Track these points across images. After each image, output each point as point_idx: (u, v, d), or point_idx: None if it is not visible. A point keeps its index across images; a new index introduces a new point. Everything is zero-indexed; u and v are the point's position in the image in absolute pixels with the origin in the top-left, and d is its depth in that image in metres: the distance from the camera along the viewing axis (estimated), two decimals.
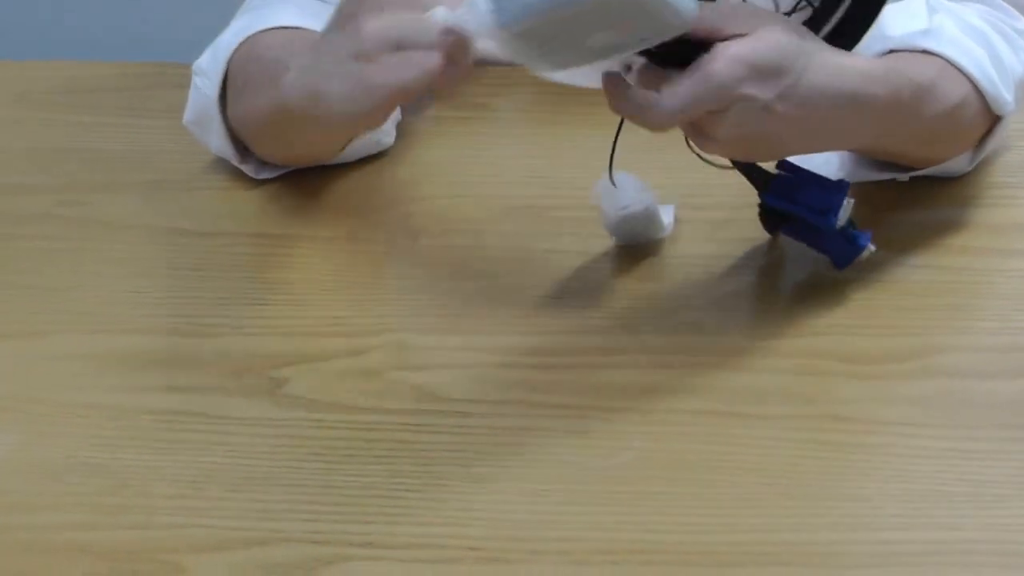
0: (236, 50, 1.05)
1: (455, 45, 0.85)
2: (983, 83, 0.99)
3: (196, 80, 1.08)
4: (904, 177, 1.05)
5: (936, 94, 0.97)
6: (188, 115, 1.09)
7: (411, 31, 0.85)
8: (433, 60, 0.85)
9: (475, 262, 1.03)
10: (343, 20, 0.89)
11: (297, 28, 1.05)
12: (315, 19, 1.04)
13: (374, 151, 1.12)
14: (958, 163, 1.05)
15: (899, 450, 0.87)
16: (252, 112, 1.03)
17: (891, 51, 0.99)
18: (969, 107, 1.00)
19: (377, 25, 0.86)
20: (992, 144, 1.05)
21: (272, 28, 1.05)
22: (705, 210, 1.05)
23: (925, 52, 0.98)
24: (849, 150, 1.02)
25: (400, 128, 1.14)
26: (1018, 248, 1.03)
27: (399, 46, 0.85)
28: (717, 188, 1.04)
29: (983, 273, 1.01)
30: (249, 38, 1.05)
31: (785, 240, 1.01)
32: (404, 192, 1.10)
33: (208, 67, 1.07)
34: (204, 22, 1.16)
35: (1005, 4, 1.08)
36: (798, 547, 0.82)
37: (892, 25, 1.00)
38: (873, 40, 0.98)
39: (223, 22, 1.14)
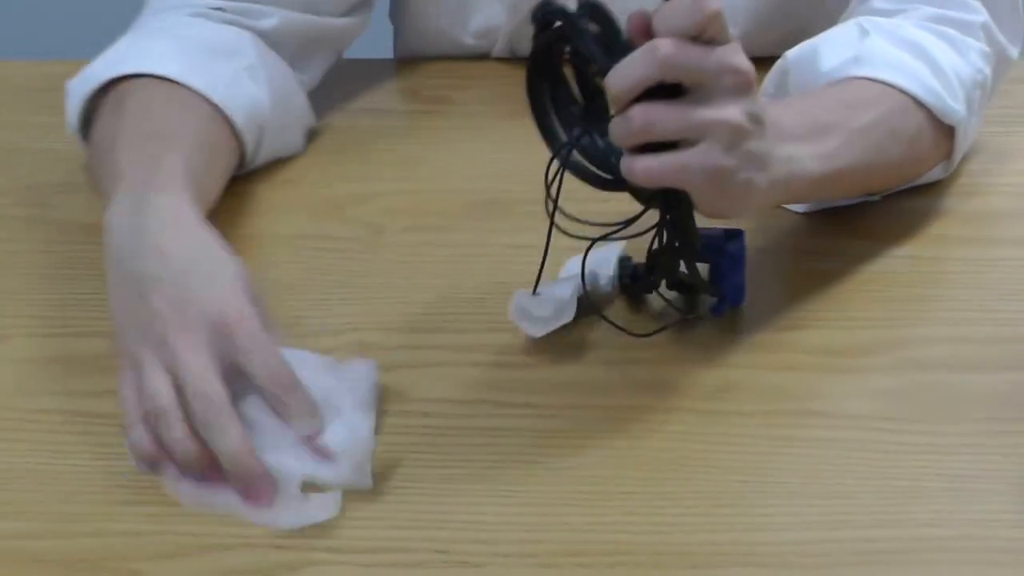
0: (97, 91, 1.05)
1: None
2: (926, 98, 0.98)
3: (66, 102, 1.08)
4: (876, 198, 1.03)
5: (888, 130, 0.96)
6: (68, 128, 1.09)
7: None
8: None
9: (440, 258, 1.01)
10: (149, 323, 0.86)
11: (160, 87, 1.03)
12: (189, 51, 1.05)
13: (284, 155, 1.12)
14: (933, 174, 1.04)
15: (877, 446, 0.86)
16: (94, 181, 1.05)
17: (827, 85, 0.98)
18: (922, 125, 0.99)
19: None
20: (961, 150, 1.03)
21: (142, 77, 1.04)
22: None
23: (863, 79, 0.97)
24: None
25: (360, 123, 1.13)
26: (997, 237, 1.02)
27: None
28: None
29: (963, 263, 1.00)
30: (114, 83, 1.04)
31: (758, 230, 0.99)
32: (367, 188, 1.09)
33: (76, 92, 1.07)
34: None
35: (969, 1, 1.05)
36: (774, 546, 0.80)
37: (824, 56, 0.99)
38: (806, 75, 0.99)
39: None
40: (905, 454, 0.85)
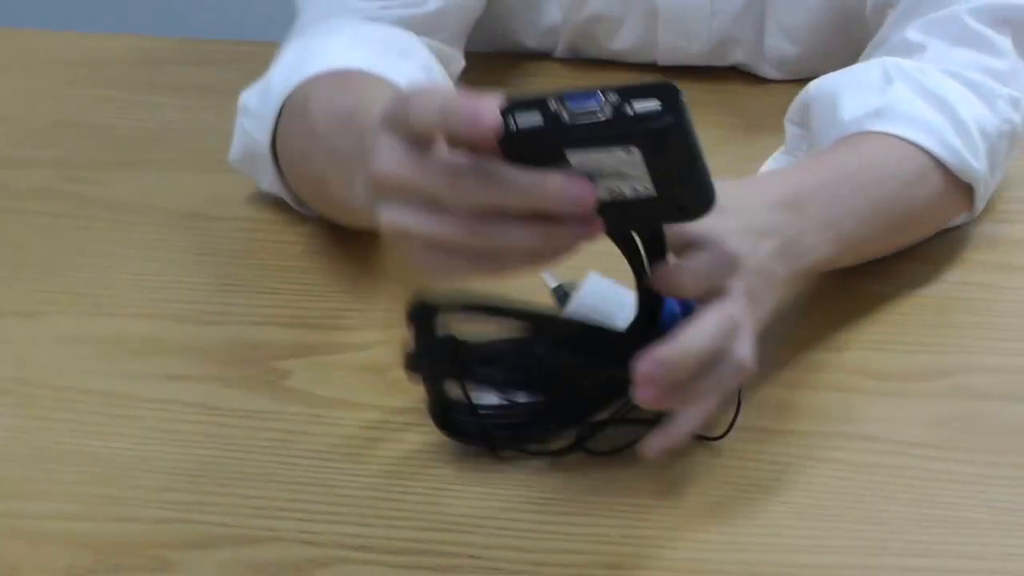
0: (288, 98, 0.98)
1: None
2: (946, 157, 0.95)
3: (243, 120, 1.02)
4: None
5: (906, 200, 0.94)
6: (234, 153, 1.04)
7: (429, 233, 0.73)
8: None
9: None
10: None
11: (348, 73, 0.97)
12: (365, 47, 1.00)
13: None
14: (958, 219, 1.02)
15: (921, 473, 0.85)
16: (315, 190, 0.97)
17: (846, 136, 0.96)
18: (940, 185, 0.96)
19: (393, 223, 0.74)
20: (982, 202, 1.01)
21: (324, 73, 0.98)
22: None
23: (881, 134, 0.95)
24: None
25: None
26: None
27: None
28: None
29: (1019, 292, 0.98)
30: (301, 87, 0.98)
31: None
32: None
33: (258, 109, 1.01)
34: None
35: (989, 35, 1.02)
36: (811, 569, 0.79)
37: (845, 105, 0.97)
38: (826, 124, 0.96)
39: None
40: (950, 483, 0.84)
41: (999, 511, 0.83)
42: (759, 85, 1.19)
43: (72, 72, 1.20)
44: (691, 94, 1.12)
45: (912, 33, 1.03)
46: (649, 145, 0.70)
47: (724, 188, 0.72)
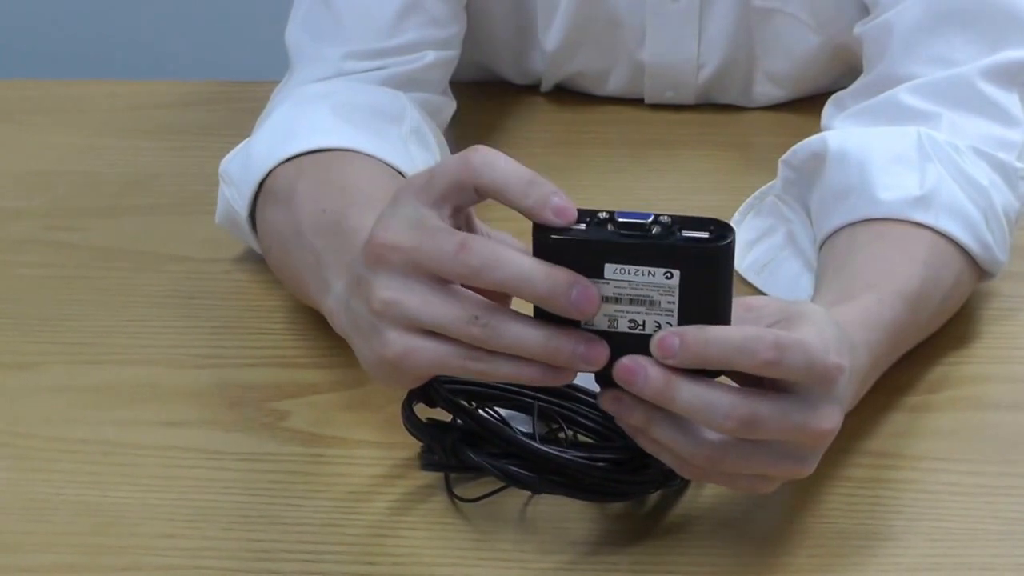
0: (271, 174, 0.97)
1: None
2: (980, 255, 0.94)
3: (224, 188, 1.01)
4: None
5: (945, 301, 0.92)
6: (218, 218, 1.03)
7: (426, 314, 0.72)
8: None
9: None
10: (355, 282, 0.76)
11: (336, 159, 0.96)
12: (354, 117, 0.99)
13: None
14: None
15: (930, 486, 0.85)
16: (292, 280, 0.95)
17: (878, 219, 0.93)
18: (971, 278, 0.95)
19: (388, 297, 0.73)
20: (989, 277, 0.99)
21: (310, 155, 0.96)
22: None
23: (918, 225, 0.92)
24: None
25: None
26: None
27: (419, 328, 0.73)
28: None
29: (1017, 299, 0.98)
30: (285, 168, 0.96)
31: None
32: None
33: (238, 178, 0.99)
34: (200, 36, 1.12)
35: (1002, 102, 0.99)
36: None
37: (880, 180, 0.94)
38: (861, 199, 0.93)
39: (219, 37, 1.11)
40: (959, 495, 0.84)
41: (1008, 521, 0.82)
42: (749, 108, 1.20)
43: (55, 120, 1.20)
44: (676, 125, 1.13)
45: (921, 101, 0.99)
46: (693, 269, 0.71)
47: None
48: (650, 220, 0.71)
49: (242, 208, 0.98)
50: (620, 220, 0.71)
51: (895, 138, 0.97)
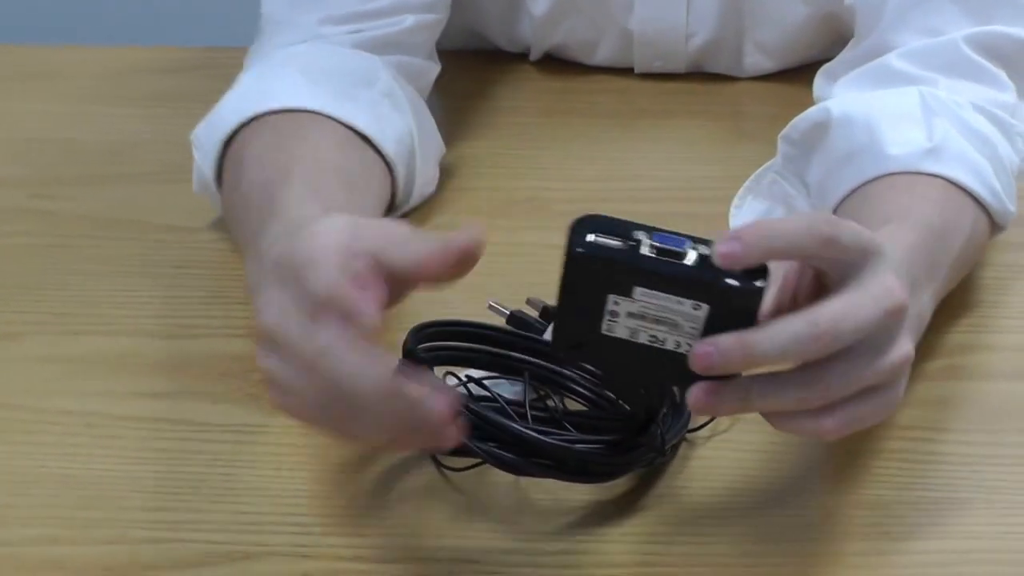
0: (233, 135, 0.98)
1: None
2: (991, 202, 0.93)
3: (196, 154, 1.01)
4: None
5: (971, 247, 0.92)
6: (195, 186, 1.03)
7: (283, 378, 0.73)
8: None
9: None
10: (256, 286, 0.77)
11: (293, 120, 0.97)
12: (323, 80, 0.99)
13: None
14: None
15: (915, 456, 0.85)
16: (234, 230, 0.97)
17: (892, 174, 0.93)
18: (985, 229, 0.95)
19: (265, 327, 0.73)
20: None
21: (271, 114, 0.97)
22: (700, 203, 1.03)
23: (935, 177, 0.92)
24: None
25: None
26: None
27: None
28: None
29: (1005, 268, 0.99)
30: (244, 128, 0.97)
31: None
32: None
33: (204, 142, 1.00)
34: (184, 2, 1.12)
35: (988, 67, 1.00)
36: (812, 556, 0.79)
37: (890, 137, 0.94)
38: (871, 158, 0.93)
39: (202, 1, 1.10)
40: (944, 465, 0.84)
41: (993, 490, 0.83)
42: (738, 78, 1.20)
43: (34, 87, 1.19)
44: (667, 95, 1.13)
45: (912, 66, 0.99)
46: (722, 307, 0.70)
47: None
48: (686, 246, 0.70)
49: (209, 170, 0.99)
50: (656, 243, 0.70)
51: (898, 98, 0.97)
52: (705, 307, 0.70)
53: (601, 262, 0.70)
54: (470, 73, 1.20)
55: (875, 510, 0.81)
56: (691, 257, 0.69)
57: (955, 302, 0.94)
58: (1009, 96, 1.00)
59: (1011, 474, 0.84)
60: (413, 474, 0.84)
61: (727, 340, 0.70)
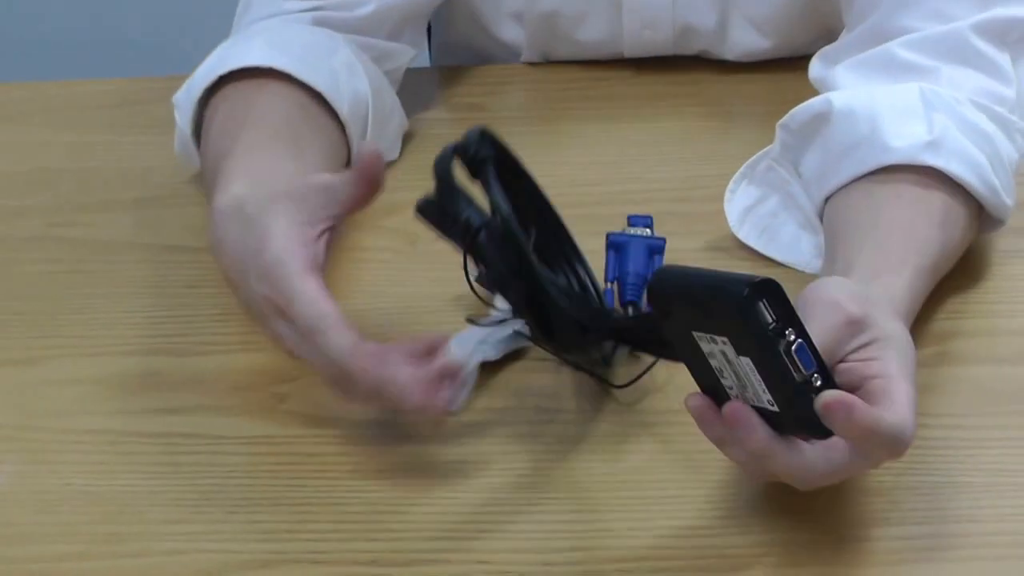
0: (205, 92, 1.04)
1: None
2: (988, 197, 0.95)
3: (176, 115, 1.07)
4: None
5: (959, 246, 0.95)
6: (176, 145, 1.08)
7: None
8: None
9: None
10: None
11: (258, 77, 1.03)
12: (286, 47, 1.05)
13: None
14: None
15: (916, 440, 0.84)
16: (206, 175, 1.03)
17: (891, 165, 0.95)
18: (974, 228, 0.97)
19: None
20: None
21: (241, 71, 1.03)
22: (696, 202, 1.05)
23: (929, 168, 0.94)
24: None
25: None
26: None
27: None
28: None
29: (998, 253, 0.99)
30: (215, 88, 1.04)
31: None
32: (400, 197, 1.08)
33: (183, 103, 1.06)
34: (193, 33, 1.14)
35: (995, 57, 1.01)
36: (813, 545, 0.80)
37: (890, 129, 0.95)
38: (873, 148, 0.95)
39: (209, 33, 1.13)
40: (943, 449, 0.85)
41: (991, 473, 0.84)
42: (726, 73, 1.20)
43: (50, 120, 1.21)
44: (659, 87, 1.14)
45: (916, 55, 1.00)
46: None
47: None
48: (811, 370, 0.75)
49: (186, 126, 1.05)
50: (793, 350, 0.75)
51: (899, 93, 0.98)
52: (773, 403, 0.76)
53: (747, 324, 0.74)
54: (466, 87, 1.21)
55: (876, 495, 0.82)
56: (801, 377, 0.75)
57: (946, 289, 0.95)
58: (1010, 91, 1.01)
59: (1008, 456, 0.85)
60: (424, 481, 0.85)
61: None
